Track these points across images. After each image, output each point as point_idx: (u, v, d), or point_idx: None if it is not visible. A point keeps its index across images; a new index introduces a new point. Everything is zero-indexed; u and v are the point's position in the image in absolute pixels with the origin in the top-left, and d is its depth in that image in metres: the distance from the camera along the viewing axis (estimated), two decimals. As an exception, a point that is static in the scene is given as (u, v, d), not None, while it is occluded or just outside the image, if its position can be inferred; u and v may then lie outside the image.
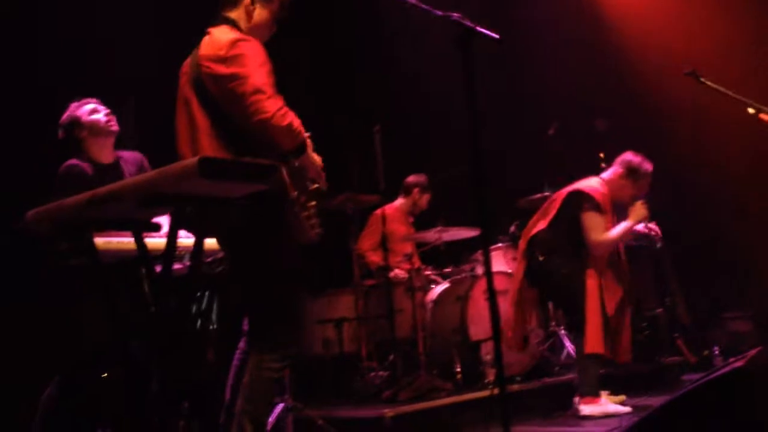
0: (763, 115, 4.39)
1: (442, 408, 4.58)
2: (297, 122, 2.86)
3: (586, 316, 4.42)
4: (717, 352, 5.73)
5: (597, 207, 4.57)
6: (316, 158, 3.11)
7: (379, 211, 5.94)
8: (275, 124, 2.77)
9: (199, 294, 2.98)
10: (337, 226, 5.75)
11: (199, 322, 2.91)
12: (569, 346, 5.70)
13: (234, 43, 2.86)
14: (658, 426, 2.49)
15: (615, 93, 6.94)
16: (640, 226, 4.85)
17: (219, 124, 2.88)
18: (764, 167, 5.61)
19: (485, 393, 4.61)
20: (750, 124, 4.41)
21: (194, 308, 2.95)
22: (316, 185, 3.11)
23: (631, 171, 4.73)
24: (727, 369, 2.37)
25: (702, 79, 4.40)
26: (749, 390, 2.28)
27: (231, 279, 3.10)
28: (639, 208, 4.62)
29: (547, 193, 6.05)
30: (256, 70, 2.81)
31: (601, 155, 6.97)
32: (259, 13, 3.09)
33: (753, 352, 2.38)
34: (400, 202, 6.34)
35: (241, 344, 3.18)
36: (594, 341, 4.39)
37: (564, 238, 4.62)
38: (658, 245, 6.33)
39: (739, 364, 2.32)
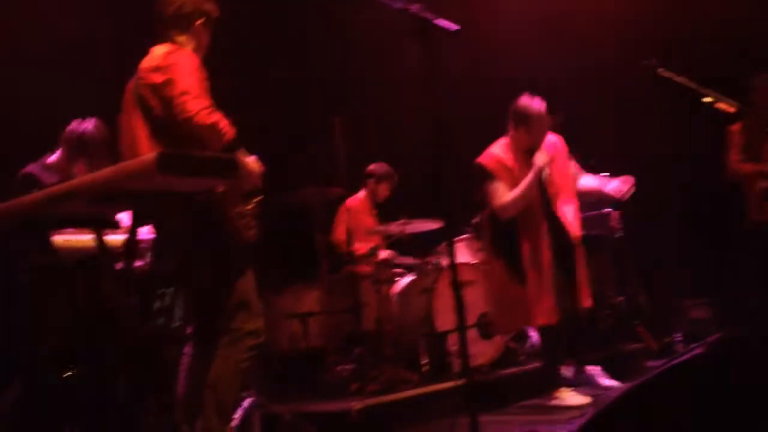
0: (720, 105, 4.46)
1: (408, 400, 4.60)
2: (224, 122, 2.93)
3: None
4: (679, 339, 5.82)
5: (487, 175, 4.47)
6: (251, 159, 3.16)
7: (343, 206, 5.92)
8: (198, 123, 2.85)
9: (161, 291, 2.95)
10: (301, 220, 5.74)
11: (162, 319, 2.88)
12: (533, 335, 5.75)
13: (169, 53, 3.05)
14: (621, 412, 2.52)
15: (579, 82, 7.00)
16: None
17: (158, 132, 3.00)
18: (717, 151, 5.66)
19: (451, 384, 4.63)
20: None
21: (157, 305, 2.93)
22: (252, 186, 3.13)
23: (518, 119, 4.50)
24: (688, 356, 2.40)
25: (660, 69, 4.45)
26: (708, 376, 2.31)
27: (176, 277, 3.10)
28: (538, 157, 4.42)
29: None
30: (187, 74, 2.94)
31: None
32: (205, 36, 3.29)
33: (713, 338, 2.42)
34: (362, 193, 6.32)
35: (187, 348, 3.20)
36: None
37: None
38: (618, 234, 6.41)
39: (699, 350, 2.35)
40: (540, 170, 4.41)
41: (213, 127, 2.88)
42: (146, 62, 3.10)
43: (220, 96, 3.27)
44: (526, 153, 4.51)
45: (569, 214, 4.60)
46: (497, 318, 4.83)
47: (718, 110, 4.44)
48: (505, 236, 4.53)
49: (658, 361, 4.66)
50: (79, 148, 3.94)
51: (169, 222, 2.91)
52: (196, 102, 2.87)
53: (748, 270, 5.38)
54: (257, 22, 6.25)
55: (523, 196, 4.40)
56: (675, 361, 2.43)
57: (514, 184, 4.46)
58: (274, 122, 6.35)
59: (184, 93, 2.89)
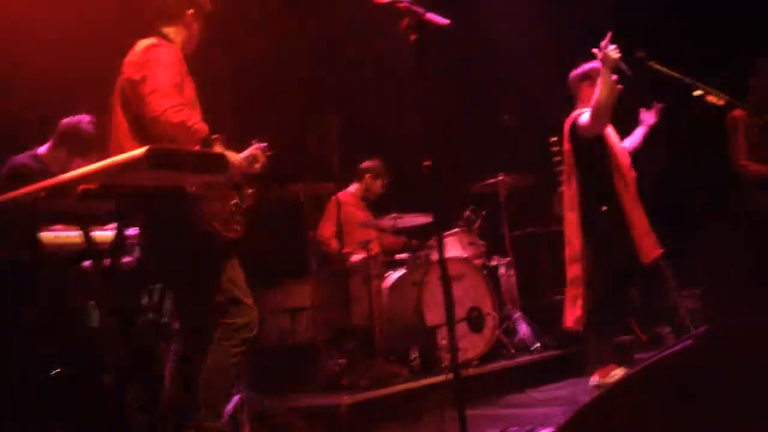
0: (710, 97, 4.47)
1: (399, 394, 4.60)
2: (193, 120, 2.92)
3: None
4: (668, 331, 5.83)
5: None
6: (234, 156, 3.14)
7: (334, 198, 5.91)
8: (165, 121, 2.85)
9: (150, 287, 2.95)
10: (292, 215, 5.72)
11: (150, 315, 2.88)
12: (524, 329, 5.76)
13: (149, 48, 3.04)
14: (612, 404, 2.53)
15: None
16: None
17: (137, 127, 2.99)
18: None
19: (441, 378, 4.64)
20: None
21: (145, 301, 2.92)
22: (236, 183, 3.14)
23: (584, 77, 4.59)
24: (677, 348, 2.42)
25: (651, 62, 4.46)
26: (697, 368, 2.33)
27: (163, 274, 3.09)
28: (606, 55, 4.26)
29: (501, 178, 6.11)
30: (161, 72, 2.94)
31: (553, 139, 7.06)
32: (195, 27, 3.28)
33: (699, 330, 2.43)
34: (354, 187, 6.31)
35: (173, 346, 3.20)
36: None
37: None
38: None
39: (688, 342, 2.36)
40: (613, 62, 4.22)
41: (181, 126, 2.86)
42: (128, 56, 3.09)
43: (213, 92, 3.27)
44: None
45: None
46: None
47: (708, 103, 4.45)
48: (599, 183, 4.48)
49: (647, 353, 4.68)
50: (76, 143, 3.93)
51: (151, 219, 2.91)
52: (164, 100, 2.86)
53: (739, 261, 5.39)
54: (252, 17, 6.22)
55: (604, 97, 4.22)
56: (664, 354, 2.45)
57: None
58: (269, 118, 6.34)
59: (153, 91, 2.88)
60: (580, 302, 4.46)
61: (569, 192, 4.54)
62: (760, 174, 5.12)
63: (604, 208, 4.39)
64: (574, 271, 4.51)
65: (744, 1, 6.22)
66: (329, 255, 5.93)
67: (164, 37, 3.17)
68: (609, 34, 4.11)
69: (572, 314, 4.49)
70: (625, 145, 4.78)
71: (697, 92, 4.52)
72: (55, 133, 4.05)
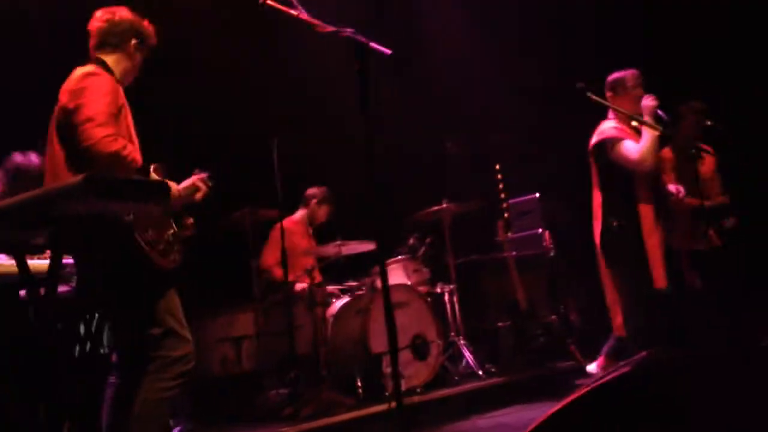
0: (645, 128, 4.59)
1: (343, 423, 4.57)
2: (128, 150, 2.89)
3: None
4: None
5: (615, 140, 4.57)
6: (174, 186, 3.12)
7: (279, 225, 5.86)
8: (99, 151, 2.81)
9: (88, 317, 2.88)
10: (236, 242, 5.67)
11: (87, 345, 2.80)
12: (468, 356, 5.79)
13: (85, 76, 2.98)
14: (552, 430, 2.55)
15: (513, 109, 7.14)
16: None
17: (72, 155, 2.93)
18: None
19: (385, 406, 4.63)
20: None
21: (83, 330, 2.85)
22: (173, 213, 3.10)
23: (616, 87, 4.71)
24: (615, 374, 2.46)
25: (588, 94, 4.58)
26: (634, 394, 2.37)
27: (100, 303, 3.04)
28: (647, 101, 4.57)
29: (445, 206, 6.16)
30: (95, 100, 2.89)
31: (497, 167, 7.16)
32: (137, 58, 3.23)
33: (638, 357, 2.48)
34: (300, 214, 6.29)
35: (112, 378, 3.12)
36: None
37: None
38: (551, 253, 6.53)
39: (625, 369, 2.40)
40: (654, 109, 4.52)
41: (116, 156, 2.82)
42: (65, 84, 3.03)
43: (154, 117, 3.23)
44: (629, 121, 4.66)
45: None
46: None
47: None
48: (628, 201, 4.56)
49: (588, 380, 4.75)
50: (19, 180, 3.87)
51: (87, 248, 2.84)
52: (98, 129, 2.82)
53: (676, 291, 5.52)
54: (195, 42, 6.19)
55: (646, 148, 4.47)
56: (602, 380, 2.49)
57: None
58: (212, 144, 6.30)
59: (88, 120, 2.83)
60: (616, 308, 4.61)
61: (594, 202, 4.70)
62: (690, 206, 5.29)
63: (616, 223, 4.51)
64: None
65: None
66: (273, 283, 5.87)
67: (103, 65, 3.11)
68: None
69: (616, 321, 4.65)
70: None
71: (634, 123, 4.65)
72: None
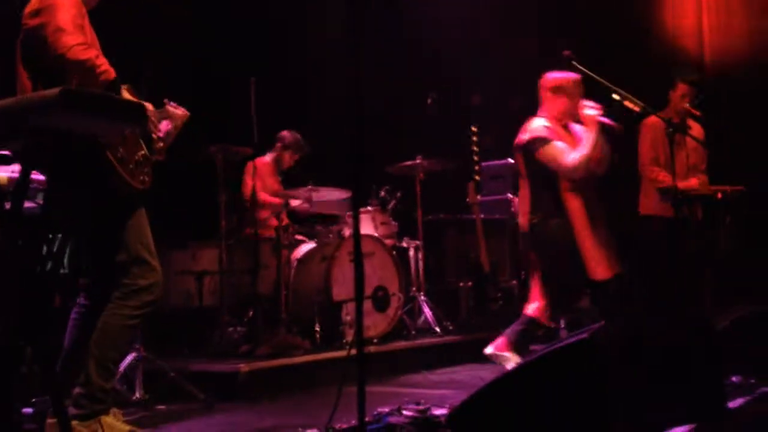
0: (627, 103, 4.60)
1: (298, 365, 4.61)
2: (101, 60, 2.85)
3: None
4: (563, 326, 6.02)
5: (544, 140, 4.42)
6: (151, 107, 3.09)
7: (251, 162, 5.77)
8: (72, 58, 2.77)
9: (51, 236, 2.83)
10: (206, 176, 5.61)
11: (49, 264, 2.76)
12: (427, 312, 5.85)
13: None
14: (504, 391, 2.60)
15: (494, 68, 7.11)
16: None
17: (40, 80, 2.88)
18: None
19: (342, 353, 4.67)
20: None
21: (45, 250, 2.81)
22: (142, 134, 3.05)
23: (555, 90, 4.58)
24: (572, 340, 2.50)
25: (573, 63, 4.56)
26: (591, 360, 2.41)
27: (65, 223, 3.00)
28: (589, 111, 4.42)
29: (418, 161, 6.15)
30: (63, 12, 2.84)
31: (474, 128, 7.15)
32: None
33: (596, 326, 2.52)
34: (270, 156, 6.23)
35: (80, 299, 3.10)
36: None
37: None
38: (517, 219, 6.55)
39: (583, 335, 2.45)
40: (595, 122, 4.35)
41: (88, 63, 2.78)
42: (27, 8, 2.96)
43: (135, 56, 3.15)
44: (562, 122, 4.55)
45: None
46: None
47: (624, 107, 4.58)
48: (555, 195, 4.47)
49: (541, 346, 4.82)
50: None
51: (56, 164, 2.79)
52: (70, 38, 2.78)
53: (633, 261, 5.56)
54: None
55: (591, 153, 4.31)
56: (556, 346, 2.53)
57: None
58: (192, 78, 6.20)
59: (58, 29, 2.79)
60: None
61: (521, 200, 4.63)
62: (665, 182, 5.31)
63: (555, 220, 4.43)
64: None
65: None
66: (245, 217, 5.81)
67: None
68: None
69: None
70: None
71: (616, 96, 4.64)
72: None
